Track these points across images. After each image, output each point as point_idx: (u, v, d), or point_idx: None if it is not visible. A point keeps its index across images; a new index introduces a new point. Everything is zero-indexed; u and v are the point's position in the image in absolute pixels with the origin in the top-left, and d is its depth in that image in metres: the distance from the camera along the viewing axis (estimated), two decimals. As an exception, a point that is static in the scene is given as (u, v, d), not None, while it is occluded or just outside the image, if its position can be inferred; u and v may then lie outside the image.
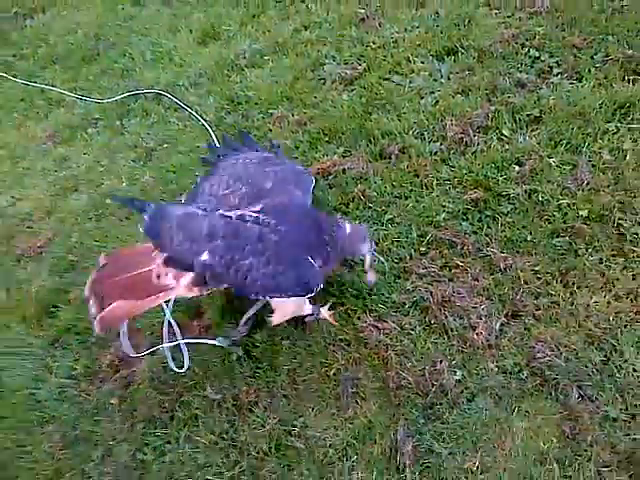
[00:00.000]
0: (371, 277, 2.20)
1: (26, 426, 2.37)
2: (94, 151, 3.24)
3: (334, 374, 2.21)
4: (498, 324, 2.18)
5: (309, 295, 2.04)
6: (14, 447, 2.33)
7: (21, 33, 4.09)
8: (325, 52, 3.25)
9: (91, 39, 3.86)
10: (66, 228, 2.93)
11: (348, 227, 2.12)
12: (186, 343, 2.28)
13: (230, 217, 2.02)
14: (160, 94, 3.34)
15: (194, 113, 3.16)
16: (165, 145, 3.13)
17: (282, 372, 2.24)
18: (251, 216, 2.03)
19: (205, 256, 1.97)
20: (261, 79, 3.24)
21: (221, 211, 2.06)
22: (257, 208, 2.08)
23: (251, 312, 2.31)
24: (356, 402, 2.14)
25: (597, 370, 2.02)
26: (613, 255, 2.23)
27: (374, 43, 3.20)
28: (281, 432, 2.12)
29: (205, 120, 3.09)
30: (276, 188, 2.18)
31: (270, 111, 3.07)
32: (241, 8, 3.66)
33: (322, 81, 3.14)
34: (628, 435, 1.89)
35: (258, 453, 2.10)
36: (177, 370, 2.28)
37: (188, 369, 2.29)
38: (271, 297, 2.09)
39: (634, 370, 1.99)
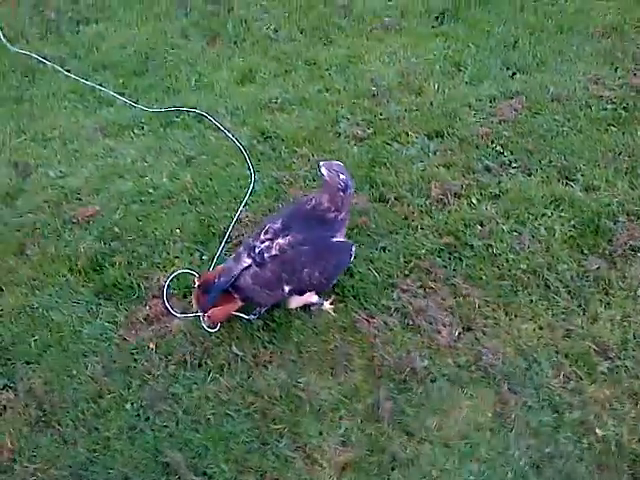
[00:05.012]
0: None
1: (70, 355, 2.82)
2: (139, 148, 3.81)
3: (331, 349, 2.86)
4: (457, 332, 2.95)
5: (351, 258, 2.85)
6: (61, 370, 2.78)
7: (75, 36, 4.66)
8: (342, 113, 4.07)
9: (141, 56, 4.49)
10: (112, 205, 3.45)
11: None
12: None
13: (277, 255, 2.71)
14: (202, 115, 4.00)
15: (231, 136, 3.85)
16: (203, 156, 3.77)
17: (292, 342, 2.87)
18: (285, 244, 2.72)
19: (287, 287, 2.76)
20: (288, 122, 3.99)
21: (267, 255, 2.71)
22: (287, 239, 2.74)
23: None
24: (346, 372, 2.80)
25: (522, 373, 2.83)
26: (540, 299, 3.08)
27: (381, 115, 4.07)
28: (289, 384, 2.74)
29: (240, 144, 3.80)
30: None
31: (295, 149, 3.81)
32: (275, 62, 4.46)
33: (337, 135, 3.94)
34: (537, 417, 2.70)
35: (270, 397, 2.69)
36: (210, 330, 2.89)
37: (217, 330, 2.90)
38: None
39: (546, 376, 2.82)
